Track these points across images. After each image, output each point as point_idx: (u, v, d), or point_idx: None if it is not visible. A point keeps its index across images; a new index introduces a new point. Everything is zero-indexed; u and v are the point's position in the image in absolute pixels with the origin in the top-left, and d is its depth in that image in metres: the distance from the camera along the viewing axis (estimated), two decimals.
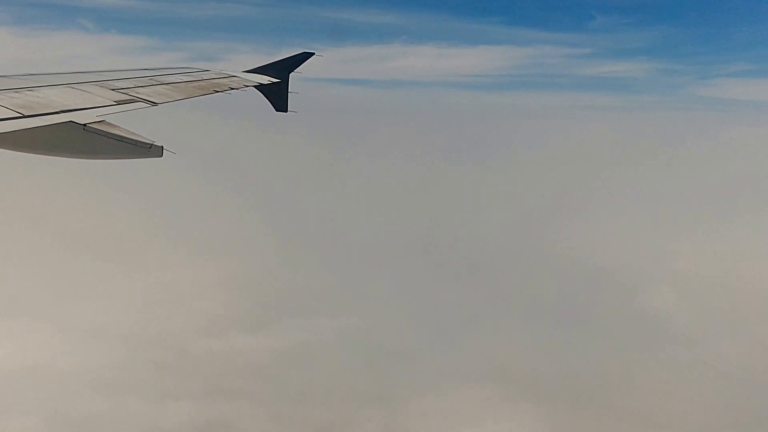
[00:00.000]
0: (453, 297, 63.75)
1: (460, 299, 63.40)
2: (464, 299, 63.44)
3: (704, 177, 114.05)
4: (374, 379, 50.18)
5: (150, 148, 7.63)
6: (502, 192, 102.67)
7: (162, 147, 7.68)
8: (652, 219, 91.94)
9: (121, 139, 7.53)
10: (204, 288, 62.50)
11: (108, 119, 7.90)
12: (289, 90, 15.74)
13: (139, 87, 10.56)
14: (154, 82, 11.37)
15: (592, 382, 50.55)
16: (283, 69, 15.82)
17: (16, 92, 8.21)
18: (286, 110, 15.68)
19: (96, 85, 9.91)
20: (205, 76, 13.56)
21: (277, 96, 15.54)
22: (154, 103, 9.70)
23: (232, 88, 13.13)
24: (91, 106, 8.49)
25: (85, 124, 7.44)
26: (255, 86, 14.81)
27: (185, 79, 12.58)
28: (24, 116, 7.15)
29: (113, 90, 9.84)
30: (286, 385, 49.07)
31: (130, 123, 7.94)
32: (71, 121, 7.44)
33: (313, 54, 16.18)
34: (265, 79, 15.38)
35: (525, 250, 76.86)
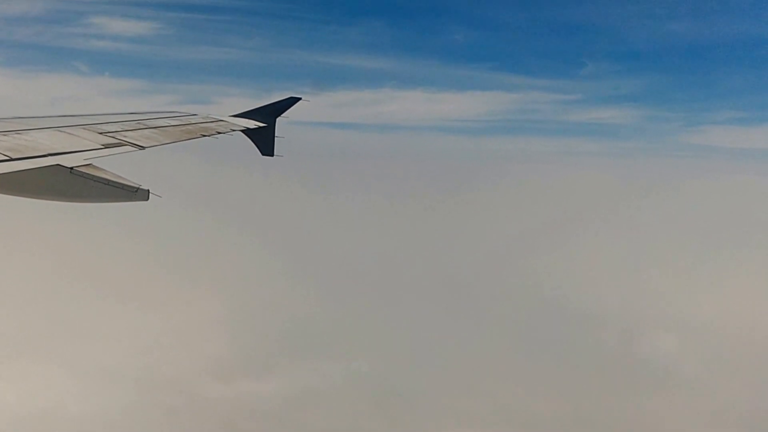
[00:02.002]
0: (451, 340, 63.55)
1: (458, 342, 63.17)
2: (461, 342, 63.20)
3: (690, 222, 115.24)
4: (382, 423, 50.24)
5: (136, 191, 7.65)
6: (491, 236, 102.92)
7: (148, 190, 7.70)
8: (641, 263, 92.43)
9: (108, 182, 7.55)
10: (206, 330, 61.94)
11: (95, 162, 7.92)
12: (276, 134, 15.94)
13: (126, 131, 10.66)
14: (142, 126, 11.48)
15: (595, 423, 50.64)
16: (270, 114, 16.04)
17: (4, 135, 8.26)
18: (272, 154, 15.85)
19: (84, 128, 10.00)
20: (193, 120, 13.71)
21: (264, 140, 15.72)
22: (142, 147, 9.77)
23: (219, 133, 13.27)
24: (79, 150, 8.54)
25: (72, 168, 7.46)
26: (242, 130, 14.98)
27: (173, 123, 12.71)
28: (11, 159, 7.15)
29: (101, 133, 9.93)
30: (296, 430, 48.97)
31: (117, 166, 7.98)
32: (58, 164, 7.45)
33: (299, 99, 16.43)
34: (252, 124, 15.56)
35: (517, 294, 76.72)
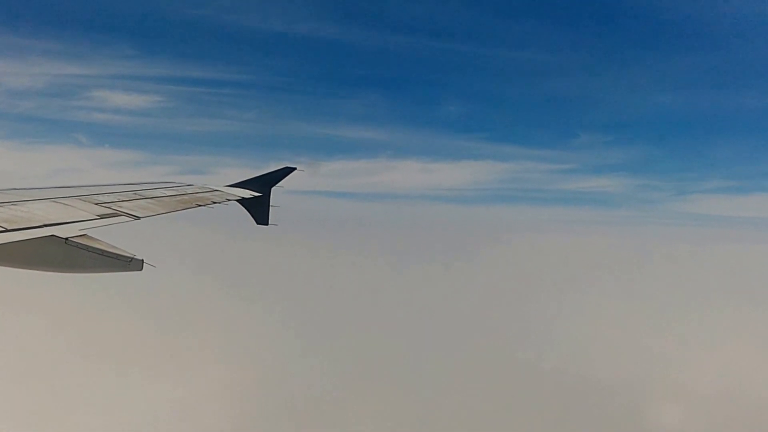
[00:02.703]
0: (455, 408, 62.31)
1: (460, 410, 61.91)
2: (465, 410, 61.96)
3: (683, 289, 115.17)
4: None
5: (130, 261, 7.66)
6: (486, 303, 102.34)
7: (142, 260, 7.72)
8: (635, 329, 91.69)
9: (102, 252, 7.56)
10: (205, 401, 60.46)
11: (90, 233, 7.95)
12: (271, 203, 16.07)
13: (122, 201, 10.73)
14: (138, 197, 11.56)
15: None
16: (265, 183, 16.22)
17: (0, 206, 8.32)
18: (267, 223, 15.94)
19: (80, 199, 10.07)
20: (189, 190, 13.81)
21: (259, 209, 15.84)
22: (137, 217, 9.82)
23: (215, 202, 13.35)
24: (74, 220, 8.58)
25: (66, 238, 7.49)
26: (237, 200, 15.09)
27: (168, 193, 12.80)
28: (6, 230, 7.21)
29: (97, 204, 9.99)
30: None
31: (113, 237, 8.00)
32: (53, 235, 7.49)
33: (294, 169, 16.65)
34: (247, 193, 15.69)
35: (514, 361, 75.69)
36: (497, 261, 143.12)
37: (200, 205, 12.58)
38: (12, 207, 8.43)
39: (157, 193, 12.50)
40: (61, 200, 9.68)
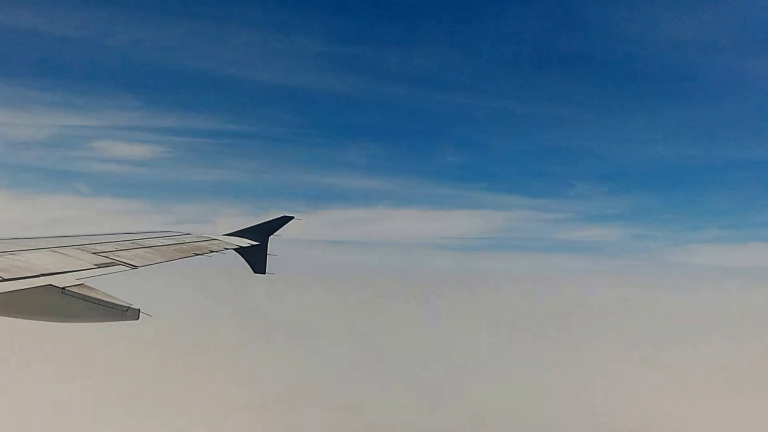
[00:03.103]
0: None
1: None
2: None
3: (678, 338, 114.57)
4: None
5: (127, 311, 7.63)
6: (481, 353, 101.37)
7: (138, 310, 7.69)
8: (631, 379, 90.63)
9: (99, 302, 7.55)
10: None
11: (87, 282, 7.95)
12: (268, 252, 16.09)
13: (120, 250, 10.75)
14: (136, 246, 11.58)
15: None
16: (263, 232, 16.26)
17: None
18: (264, 272, 15.91)
19: (78, 248, 10.08)
20: (186, 239, 13.84)
21: (256, 258, 15.84)
22: (134, 266, 9.82)
23: (212, 251, 13.36)
24: (71, 270, 8.58)
25: (63, 288, 7.49)
26: (235, 249, 15.10)
27: (166, 242, 12.82)
28: (3, 279, 7.21)
29: (94, 253, 10.00)
30: None
31: (110, 286, 8.00)
32: (50, 285, 7.49)
33: (292, 218, 16.72)
34: (245, 242, 15.72)
35: (510, 415, 74.38)
36: (493, 309, 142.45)
37: (198, 254, 12.59)
38: (9, 256, 8.44)
39: (155, 242, 12.52)
40: (59, 249, 9.70)
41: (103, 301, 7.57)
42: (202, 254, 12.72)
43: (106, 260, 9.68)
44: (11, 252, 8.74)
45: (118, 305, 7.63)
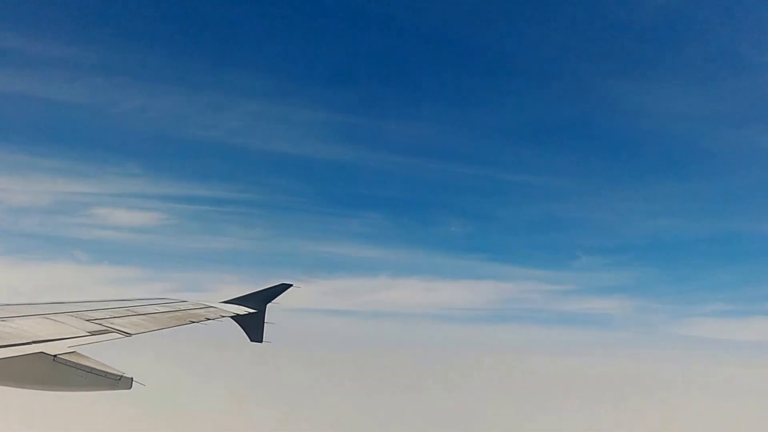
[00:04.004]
0: None
1: None
2: None
3: (679, 415, 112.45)
4: None
5: (119, 380, 7.44)
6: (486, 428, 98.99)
7: (131, 378, 7.50)
8: None
9: (91, 370, 7.37)
10: None
11: (79, 350, 7.78)
12: (266, 320, 15.81)
13: (114, 317, 10.54)
14: (130, 313, 11.37)
15: None
16: (260, 300, 16.02)
17: None
18: (261, 341, 15.59)
19: (71, 315, 9.89)
20: (182, 306, 13.63)
21: (253, 326, 15.56)
22: (128, 334, 9.61)
23: (209, 319, 13.14)
24: (64, 337, 8.40)
25: (55, 356, 7.31)
26: (231, 317, 14.86)
27: (161, 309, 12.62)
28: None
29: (87, 320, 9.80)
30: None
31: (103, 354, 7.81)
32: (42, 352, 7.32)
33: (291, 285, 16.52)
34: (242, 310, 15.49)
35: None
36: (495, 383, 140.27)
37: (193, 322, 12.37)
38: (1, 323, 8.27)
39: (150, 309, 12.32)
40: (52, 316, 9.51)
41: (95, 369, 7.39)
42: (197, 322, 12.50)
43: (100, 327, 9.48)
44: (3, 318, 8.56)
45: (110, 374, 7.44)
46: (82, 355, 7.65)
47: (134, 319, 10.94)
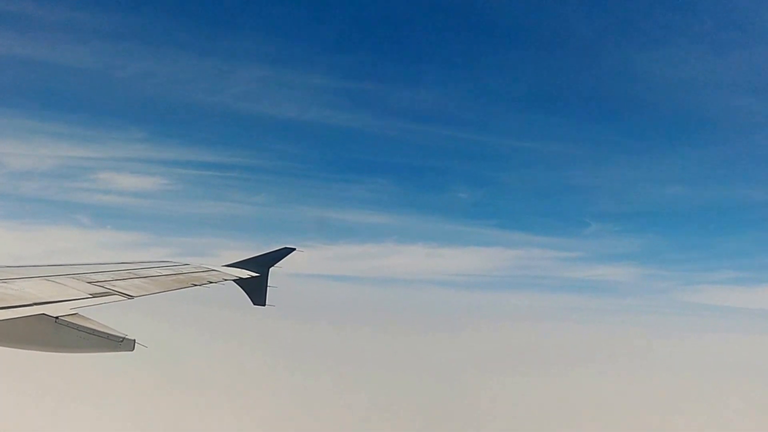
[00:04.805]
0: None
1: None
2: None
3: (685, 382, 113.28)
4: None
5: (122, 341, 7.42)
6: (492, 393, 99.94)
7: (134, 341, 7.48)
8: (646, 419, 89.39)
9: (93, 332, 7.34)
10: None
11: (82, 312, 7.75)
12: (269, 284, 15.77)
13: (116, 280, 10.51)
14: (132, 276, 11.34)
15: None
16: (263, 264, 15.96)
17: None
18: (263, 304, 15.59)
19: (73, 277, 9.86)
20: (184, 269, 13.60)
21: (256, 290, 15.53)
22: (130, 296, 9.58)
23: (211, 282, 13.11)
24: (66, 299, 8.37)
25: (57, 317, 7.28)
26: (234, 280, 14.84)
27: (164, 272, 12.59)
28: None
29: (89, 283, 9.77)
30: None
31: (105, 316, 7.77)
32: (44, 314, 7.29)
33: (294, 249, 16.45)
34: (245, 273, 15.45)
35: None
36: (501, 348, 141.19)
37: (196, 285, 12.35)
38: (3, 285, 8.25)
39: (153, 272, 12.29)
40: (54, 278, 9.48)
41: (97, 331, 7.37)
42: (200, 285, 12.47)
43: (102, 290, 9.45)
44: (4, 280, 8.54)
45: (112, 336, 7.42)
46: (84, 317, 7.62)
47: (136, 281, 10.92)
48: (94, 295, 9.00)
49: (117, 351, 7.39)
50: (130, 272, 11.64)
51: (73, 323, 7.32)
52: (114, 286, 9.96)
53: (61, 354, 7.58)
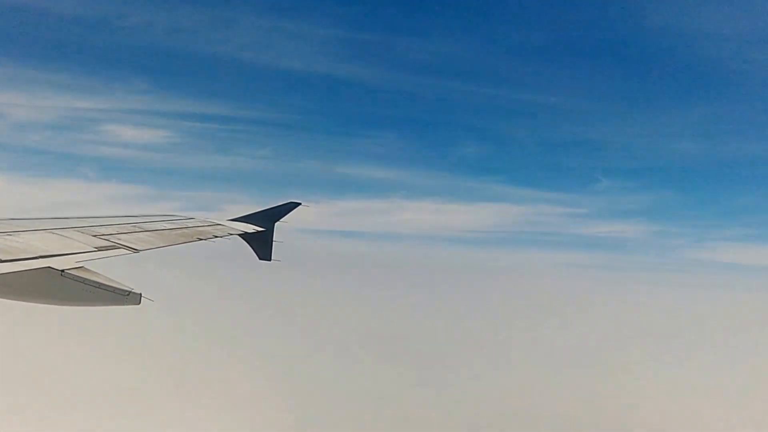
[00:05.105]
0: None
1: None
2: None
3: (696, 339, 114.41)
4: None
5: (128, 295, 7.44)
6: (497, 349, 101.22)
7: (140, 294, 7.50)
8: (652, 377, 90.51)
9: (99, 285, 7.36)
10: None
11: (87, 265, 7.76)
12: (274, 239, 15.80)
13: (121, 233, 10.50)
14: (138, 229, 11.33)
15: None
16: (268, 218, 15.95)
17: None
18: (269, 259, 15.63)
19: (78, 231, 9.84)
20: (190, 223, 13.58)
21: (262, 244, 15.56)
22: (136, 250, 9.58)
23: (216, 236, 13.11)
24: (71, 252, 8.37)
25: (63, 270, 7.29)
26: (239, 235, 14.84)
27: (169, 226, 12.57)
28: (2, 261, 7.05)
29: (95, 236, 9.77)
30: None
31: (110, 269, 7.78)
32: (49, 267, 7.30)
33: (299, 204, 16.43)
34: (250, 228, 15.45)
35: (534, 411, 73.88)
36: (509, 305, 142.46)
37: (201, 239, 12.34)
38: (8, 237, 8.23)
39: (158, 226, 12.27)
40: (59, 232, 9.47)
41: (103, 284, 7.38)
42: (205, 239, 12.47)
43: (107, 243, 9.45)
44: (10, 233, 8.52)
45: (118, 289, 7.43)
46: (90, 270, 7.63)
47: (141, 235, 10.91)
48: (100, 249, 9.00)
49: (123, 305, 7.42)
50: (135, 226, 11.63)
51: (79, 276, 7.33)
52: (119, 239, 9.96)
53: (67, 307, 7.61)
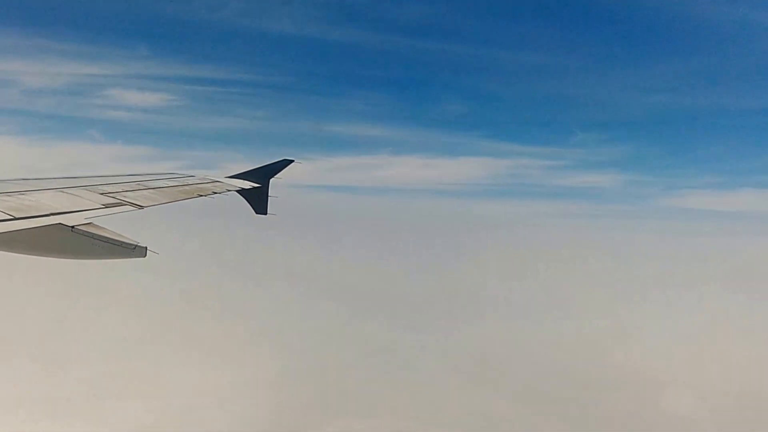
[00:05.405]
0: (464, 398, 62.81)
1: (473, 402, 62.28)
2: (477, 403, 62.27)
3: (670, 283, 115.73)
4: None
5: (134, 249, 7.90)
6: (482, 297, 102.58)
7: (146, 248, 7.96)
8: (629, 321, 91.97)
9: (107, 240, 7.81)
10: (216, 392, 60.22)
11: (95, 222, 8.20)
12: (270, 194, 16.44)
13: (126, 191, 11.02)
14: (141, 187, 11.85)
15: None
16: (263, 175, 16.57)
17: (9, 196, 8.59)
18: (265, 213, 16.30)
19: (85, 189, 10.35)
20: (190, 181, 14.11)
21: (258, 200, 16.18)
22: (140, 207, 10.10)
23: (215, 193, 13.64)
24: (80, 209, 8.83)
25: (73, 226, 7.74)
26: (237, 191, 15.40)
27: (171, 184, 13.09)
28: (15, 218, 7.47)
29: (101, 194, 10.26)
30: None
31: (117, 225, 8.28)
32: (60, 223, 7.74)
33: (292, 161, 17.03)
34: (247, 184, 16.01)
35: (517, 357, 75.45)
36: (493, 254, 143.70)
37: (201, 195, 12.88)
38: (20, 196, 8.71)
39: (160, 183, 12.80)
40: (67, 190, 9.96)
41: (111, 239, 7.86)
42: (205, 195, 13.01)
43: (113, 201, 9.97)
44: (21, 192, 9.03)
45: (125, 243, 7.93)
46: (99, 226, 8.09)
47: (145, 192, 11.43)
48: (107, 206, 9.50)
49: (130, 257, 7.95)
50: (139, 184, 12.15)
51: (88, 232, 7.80)
52: (125, 197, 10.48)
53: (77, 261, 8.13)
